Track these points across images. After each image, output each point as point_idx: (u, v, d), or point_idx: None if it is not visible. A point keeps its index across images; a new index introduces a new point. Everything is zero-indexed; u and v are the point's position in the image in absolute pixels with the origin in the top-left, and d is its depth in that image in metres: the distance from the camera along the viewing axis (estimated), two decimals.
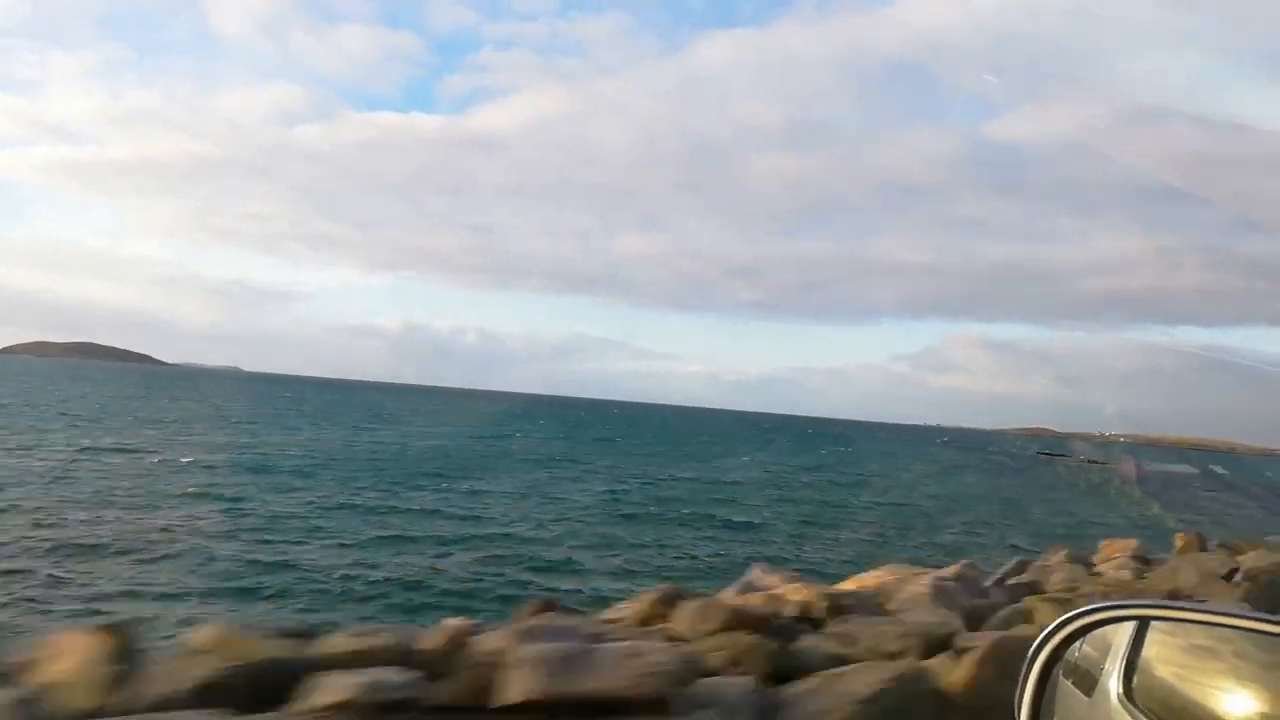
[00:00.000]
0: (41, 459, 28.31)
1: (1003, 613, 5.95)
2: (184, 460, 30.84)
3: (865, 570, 8.04)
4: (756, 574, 6.74)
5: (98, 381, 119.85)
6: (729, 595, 6.01)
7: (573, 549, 20.29)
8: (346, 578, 15.69)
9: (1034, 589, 7.37)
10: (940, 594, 6.19)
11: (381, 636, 3.79)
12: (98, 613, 11.97)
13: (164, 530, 18.08)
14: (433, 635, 3.89)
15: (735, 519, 27.33)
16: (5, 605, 12.44)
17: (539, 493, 30.22)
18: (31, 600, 12.76)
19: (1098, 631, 1.76)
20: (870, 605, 5.80)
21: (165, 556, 15.85)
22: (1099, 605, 1.76)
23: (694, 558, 20.72)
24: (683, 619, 4.77)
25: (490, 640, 3.73)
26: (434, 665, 3.60)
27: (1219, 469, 72.46)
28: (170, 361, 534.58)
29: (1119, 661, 1.77)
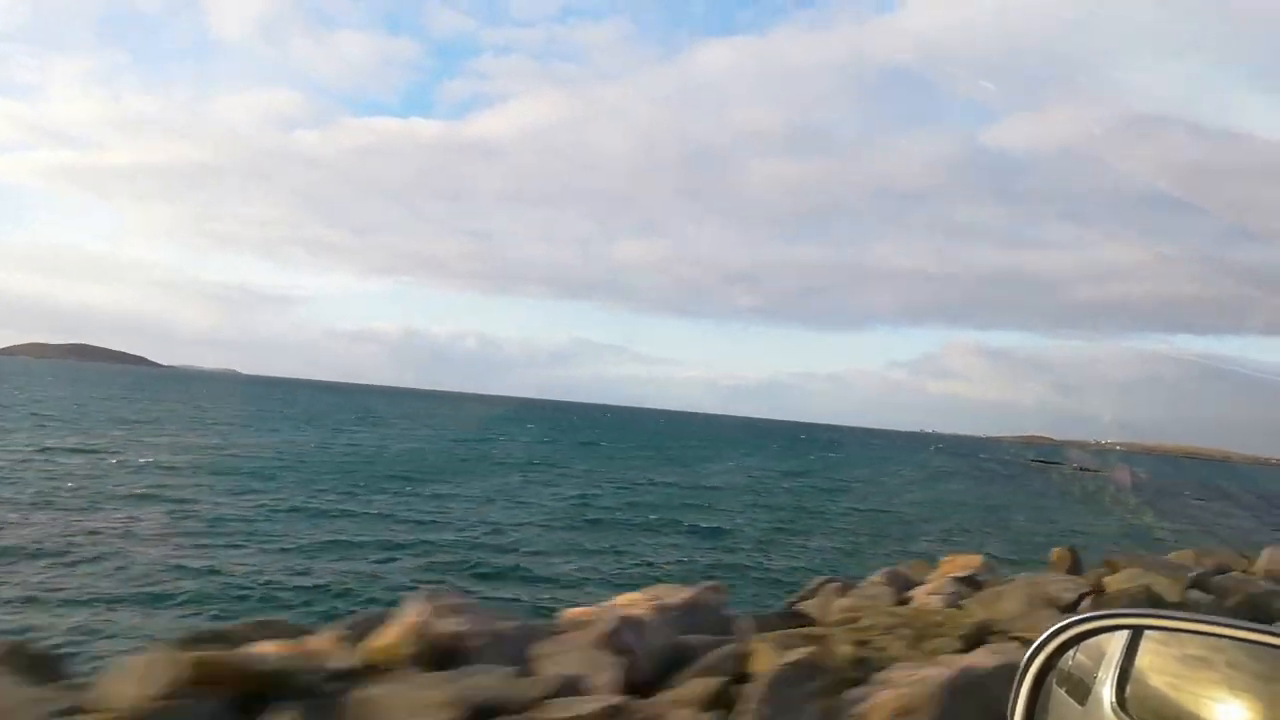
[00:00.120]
0: None
1: (710, 657, 4.83)
2: (142, 461, 30.02)
3: (636, 590, 6.61)
4: (419, 606, 5.01)
5: (88, 383, 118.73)
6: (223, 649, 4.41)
7: (525, 555, 19.52)
8: (271, 583, 14.91)
9: (802, 619, 6.35)
10: (624, 631, 4.86)
11: None
12: None
13: (91, 533, 17.28)
14: None
15: (704, 525, 26.52)
16: None
17: (506, 497, 29.41)
18: None
19: (1091, 640, 1.74)
20: (516, 647, 4.68)
21: (81, 560, 15.03)
22: (1093, 614, 1.74)
23: (650, 564, 19.93)
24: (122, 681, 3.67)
25: None
26: None
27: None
28: (167, 364, 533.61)
29: (1112, 670, 1.77)
